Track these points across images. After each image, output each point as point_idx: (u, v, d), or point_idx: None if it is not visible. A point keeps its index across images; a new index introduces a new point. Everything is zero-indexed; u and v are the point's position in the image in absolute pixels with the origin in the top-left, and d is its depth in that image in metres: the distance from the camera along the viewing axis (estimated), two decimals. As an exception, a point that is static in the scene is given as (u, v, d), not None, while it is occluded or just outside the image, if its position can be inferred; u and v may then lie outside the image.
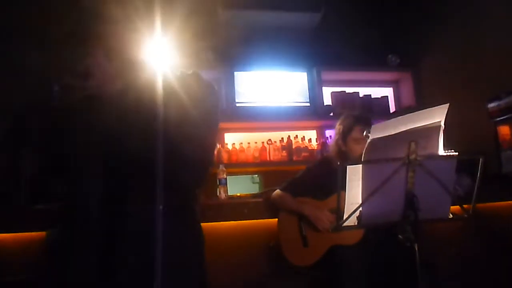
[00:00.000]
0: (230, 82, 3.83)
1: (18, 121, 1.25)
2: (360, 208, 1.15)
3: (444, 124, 3.48)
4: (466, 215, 1.17)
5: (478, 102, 3.24)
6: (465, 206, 1.18)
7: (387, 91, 4.41)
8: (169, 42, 1.31)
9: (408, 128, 1.14)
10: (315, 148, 3.90)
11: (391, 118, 3.61)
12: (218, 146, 3.67)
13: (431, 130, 1.14)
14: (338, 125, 2.35)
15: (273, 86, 3.94)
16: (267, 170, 3.79)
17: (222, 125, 3.79)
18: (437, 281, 1.98)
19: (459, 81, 3.57)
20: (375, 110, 4.11)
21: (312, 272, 2.03)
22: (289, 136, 3.90)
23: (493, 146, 3.10)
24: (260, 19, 3.88)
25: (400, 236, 1.57)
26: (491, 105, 3.14)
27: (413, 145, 1.11)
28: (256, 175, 3.98)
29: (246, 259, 2.32)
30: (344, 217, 1.17)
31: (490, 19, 3.20)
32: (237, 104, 3.81)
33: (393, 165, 1.12)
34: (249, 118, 3.79)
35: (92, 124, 1.14)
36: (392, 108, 4.30)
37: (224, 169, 2.74)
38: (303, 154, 3.85)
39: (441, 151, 1.16)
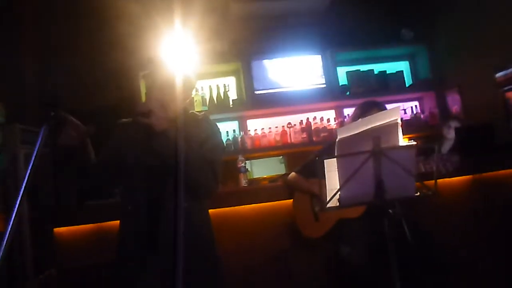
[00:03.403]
0: (248, 71, 4.07)
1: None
2: (339, 193, 1.40)
3: (460, 95, 3.58)
4: (430, 192, 1.39)
5: (489, 72, 3.32)
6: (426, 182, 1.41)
7: (403, 66, 4.50)
8: (187, 38, 1.59)
9: (370, 127, 1.37)
10: (334, 127, 4.10)
11: (407, 93, 3.79)
12: (242, 133, 3.97)
13: (391, 127, 1.36)
14: (354, 110, 2.51)
15: (289, 71, 4.15)
16: (289, 152, 4.05)
17: (244, 113, 4.09)
18: (435, 251, 2.18)
19: (471, 52, 3.64)
20: (391, 86, 4.24)
21: (323, 242, 2.31)
22: (308, 118, 4.13)
23: (503, 114, 3.20)
24: (271, 8, 4.06)
25: (390, 211, 1.82)
26: (499, 74, 3.22)
27: (376, 139, 1.34)
28: (281, 157, 4.25)
29: (266, 236, 2.64)
30: (327, 200, 1.43)
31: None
32: (256, 92, 4.06)
33: (362, 157, 1.36)
34: (269, 104, 4.04)
35: (145, 148, 1.59)
36: (408, 82, 4.40)
37: (243, 158, 3.04)
38: (322, 134, 4.07)
39: (402, 142, 1.38)
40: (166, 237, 1.54)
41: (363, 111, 2.35)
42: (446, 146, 3.26)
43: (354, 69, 4.28)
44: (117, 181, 1.77)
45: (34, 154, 1.29)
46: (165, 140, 1.53)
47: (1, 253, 1.18)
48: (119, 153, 1.68)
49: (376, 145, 1.35)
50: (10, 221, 1.26)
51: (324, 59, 4.19)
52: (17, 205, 1.30)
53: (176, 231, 1.29)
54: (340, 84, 4.22)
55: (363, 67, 4.31)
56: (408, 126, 4.02)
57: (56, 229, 2.63)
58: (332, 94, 4.14)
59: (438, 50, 4.18)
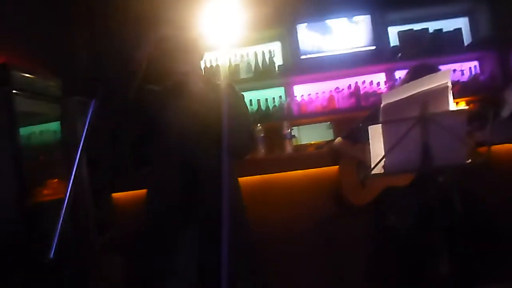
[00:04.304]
0: (293, 36, 3.98)
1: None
2: (384, 160, 1.37)
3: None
4: (482, 160, 1.32)
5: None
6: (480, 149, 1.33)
7: (461, 23, 4.18)
8: (232, 3, 1.62)
9: (417, 92, 1.30)
10: (384, 91, 3.95)
11: (465, 53, 3.54)
12: (288, 99, 3.94)
13: (440, 91, 1.28)
14: (405, 75, 2.40)
15: (337, 34, 4.00)
16: (337, 118, 3.97)
17: (290, 79, 4.03)
18: (487, 220, 2.08)
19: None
20: (447, 45, 3.96)
21: (368, 209, 2.28)
22: (356, 82, 4.01)
23: None
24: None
25: (440, 179, 1.76)
26: None
27: (424, 104, 1.27)
28: (329, 123, 4.19)
29: (311, 203, 2.66)
30: (371, 167, 1.41)
31: None
32: (302, 57, 3.97)
33: (408, 123, 1.30)
34: (315, 69, 3.95)
35: (182, 109, 1.68)
36: (467, 41, 4.09)
37: (289, 124, 3.03)
38: (372, 99, 3.94)
39: (452, 107, 1.30)
40: (203, 198, 1.62)
41: (414, 76, 2.22)
42: (506, 111, 3.02)
43: (407, 29, 4.03)
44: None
45: (86, 124, 1.37)
46: (202, 99, 1.60)
47: (62, 215, 1.29)
48: (151, 118, 1.72)
49: (423, 110, 1.29)
50: (69, 185, 1.37)
51: (373, 19, 3.99)
52: (73, 171, 1.40)
53: (221, 193, 1.39)
54: (391, 45, 4.02)
55: (417, 26, 4.05)
56: (466, 88, 3.78)
57: (114, 194, 2.83)
58: (383, 56, 3.96)
59: (501, 5, 3.82)
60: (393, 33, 4.07)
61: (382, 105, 1.39)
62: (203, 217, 1.61)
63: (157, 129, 1.71)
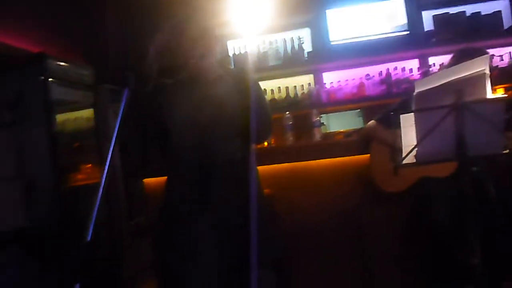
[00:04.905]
0: (323, 21, 3.91)
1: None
2: (416, 149, 1.33)
3: None
4: (520, 149, 1.26)
5: None
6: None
7: (501, 5, 3.97)
8: None
9: (452, 79, 1.25)
10: (417, 78, 3.83)
11: (505, 37, 3.37)
12: (317, 86, 3.90)
13: (476, 78, 1.23)
14: (449, 60, 2.25)
15: (368, 19, 3.89)
16: (366, 106, 3.89)
17: (319, 66, 3.97)
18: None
19: None
20: (484, 30, 3.78)
21: (400, 198, 2.22)
22: (387, 68, 3.90)
23: None
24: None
25: (474, 169, 1.70)
26: None
27: (459, 92, 1.22)
28: (359, 110, 4.11)
29: (339, 191, 2.63)
30: (402, 156, 1.37)
31: None
32: (332, 43, 3.90)
33: (442, 111, 1.26)
34: (345, 55, 3.87)
35: (197, 99, 1.66)
36: (507, 24, 3.89)
37: (317, 112, 2.99)
38: (403, 85, 3.83)
39: (490, 95, 1.24)
40: (221, 185, 1.61)
41: (457, 61, 2.12)
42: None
43: (442, 12, 3.87)
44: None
45: (120, 112, 1.40)
46: (219, 86, 1.60)
47: (98, 200, 1.34)
48: (164, 110, 1.71)
49: (458, 98, 1.24)
50: (104, 171, 1.41)
51: (406, 3, 3.85)
52: (109, 158, 1.44)
53: (238, 179, 1.39)
54: (425, 30, 3.88)
55: (453, 10, 3.88)
56: (505, 74, 3.60)
57: (145, 180, 2.89)
58: (416, 41, 3.82)
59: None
60: (427, 17, 3.91)
61: (415, 92, 1.35)
62: (222, 204, 1.60)
63: (173, 118, 1.71)
